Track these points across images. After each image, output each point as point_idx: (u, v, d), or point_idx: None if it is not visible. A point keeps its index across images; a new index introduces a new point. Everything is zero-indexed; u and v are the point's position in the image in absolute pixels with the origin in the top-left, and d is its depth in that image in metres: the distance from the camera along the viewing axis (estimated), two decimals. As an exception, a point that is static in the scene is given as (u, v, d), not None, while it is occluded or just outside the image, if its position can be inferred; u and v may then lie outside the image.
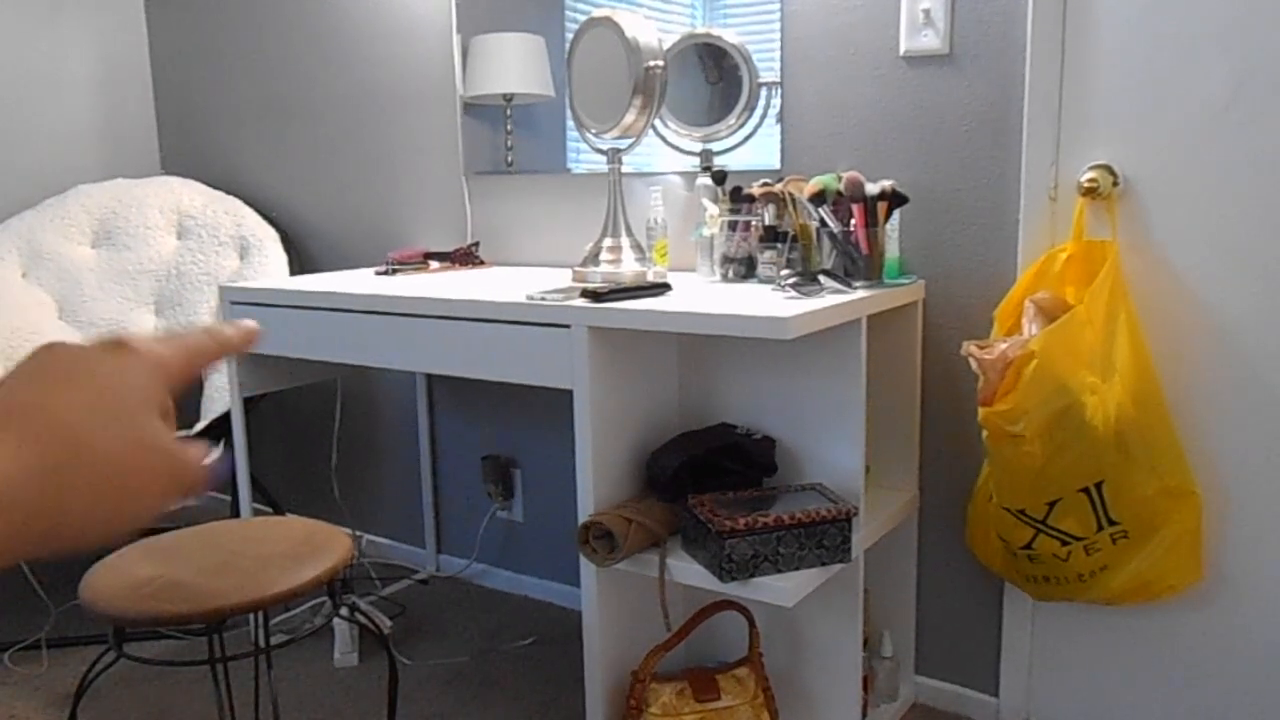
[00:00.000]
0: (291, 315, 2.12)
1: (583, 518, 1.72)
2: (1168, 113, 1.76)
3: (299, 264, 3.02)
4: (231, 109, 3.15)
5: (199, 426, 2.63)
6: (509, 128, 2.54)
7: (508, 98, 2.52)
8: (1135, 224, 1.81)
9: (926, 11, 1.91)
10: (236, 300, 2.22)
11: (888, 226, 1.86)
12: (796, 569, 1.64)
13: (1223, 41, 1.70)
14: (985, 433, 1.74)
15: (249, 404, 2.31)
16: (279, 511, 2.92)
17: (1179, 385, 1.80)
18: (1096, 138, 1.83)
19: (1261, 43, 1.67)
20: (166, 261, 2.97)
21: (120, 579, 1.39)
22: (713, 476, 1.77)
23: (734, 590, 1.62)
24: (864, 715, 1.92)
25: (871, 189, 1.83)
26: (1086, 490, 1.70)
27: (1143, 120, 1.78)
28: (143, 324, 2.95)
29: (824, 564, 1.66)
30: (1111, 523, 1.71)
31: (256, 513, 2.46)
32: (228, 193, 3.08)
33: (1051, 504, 1.72)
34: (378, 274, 2.39)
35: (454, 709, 2.18)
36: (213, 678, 1.80)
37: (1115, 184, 1.81)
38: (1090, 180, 1.79)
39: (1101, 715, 1.98)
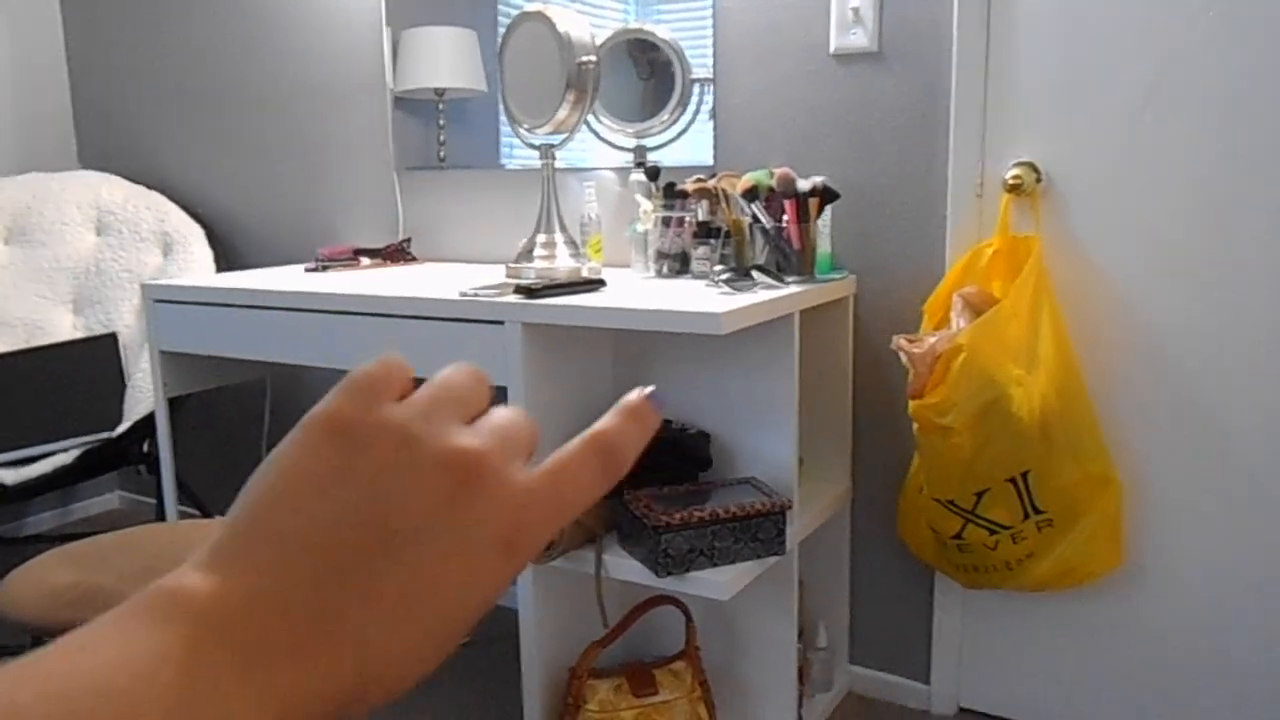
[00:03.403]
0: (218, 313, 2.07)
1: (518, 515, 1.71)
2: (1087, 111, 1.81)
3: (225, 261, 2.95)
4: (153, 101, 3.06)
5: (121, 428, 2.56)
6: (441, 122, 2.52)
7: (439, 92, 2.50)
8: (1057, 219, 1.86)
9: (855, 10, 1.94)
10: (160, 298, 2.16)
11: (819, 222, 1.88)
12: (732, 562, 1.65)
13: (1138, 42, 1.75)
14: (915, 425, 1.77)
15: (174, 404, 2.25)
16: (206, 515, 2.86)
17: (1100, 376, 1.85)
18: (1020, 135, 1.87)
19: (1174, 44, 1.72)
20: (85, 258, 2.88)
21: (37, 587, 1.35)
22: (648, 472, 1.77)
23: (670, 585, 1.63)
24: (800, 705, 1.94)
25: (803, 185, 1.85)
26: (1013, 480, 1.74)
27: (1063, 119, 1.83)
28: (60, 323, 2.86)
29: (759, 557, 1.67)
30: (1037, 511, 1.75)
31: (183, 516, 2.40)
32: (149, 188, 3.00)
33: (980, 494, 1.75)
34: (307, 271, 2.34)
35: (388, 712, 2.16)
36: (138, 686, 1.75)
37: (1038, 180, 1.85)
38: (1014, 177, 1.83)
39: (1029, 699, 2.03)
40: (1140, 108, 1.76)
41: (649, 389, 0.34)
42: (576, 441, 0.32)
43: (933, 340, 1.73)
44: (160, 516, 2.54)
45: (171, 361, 2.20)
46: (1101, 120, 1.80)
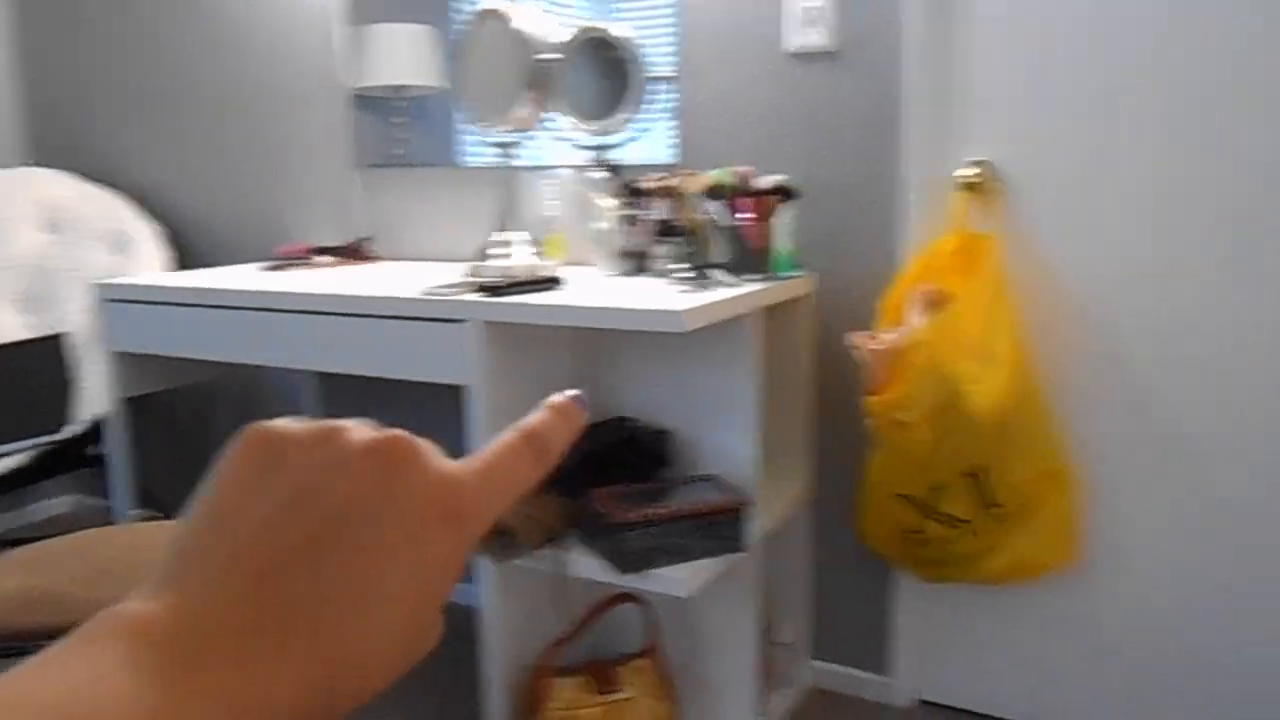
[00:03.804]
0: (172, 313, 2.04)
1: (479, 515, 1.70)
2: (1041, 110, 1.83)
3: (180, 260, 2.91)
4: (107, 98, 3.01)
5: (72, 430, 2.52)
6: (401, 120, 2.50)
7: (398, 89, 2.48)
8: (1013, 217, 1.88)
9: (813, 9, 1.95)
10: (111, 298, 2.13)
11: (779, 220, 1.89)
12: (693, 559, 1.65)
13: (1090, 43, 1.78)
14: (874, 421, 1.78)
15: (128, 405, 2.22)
16: (164, 517, 2.81)
17: (1055, 372, 1.88)
18: (976, 134, 1.89)
19: (1123, 48, 1.75)
20: (33, 257, 2.83)
21: (-14, 592, 1.32)
22: (610, 470, 1.77)
23: (632, 582, 1.63)
24: (762, 701, 1.95)
25: (762, 183, 1.85)
26: (970, 475, 1.76)
27: (1018, 118, 1.85)
28: (8, 322, 2.80)
29: (720, 554, 1.68)
30: (994, 505, 1.78)
31: (137, 519, 2.36)
32: (101, 185, 2.95)
33: (938, 489, 1.77)
34: (264, 270, 2.32)
35: (347, 717, 2.14)
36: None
37: (994, 179, 1.88)
38: (970, 175, 1.85)
39: (988, 691, 2.06)
40: (1092, 107, 1.79)
41: (573, 391, 0.35)
42: (507, 431, 0.33)
43: (891, 337, 1.75)
44: (113, 520, 2.50)
45: (124, 362, 2.17)
46: (1055, 119, 1.83)
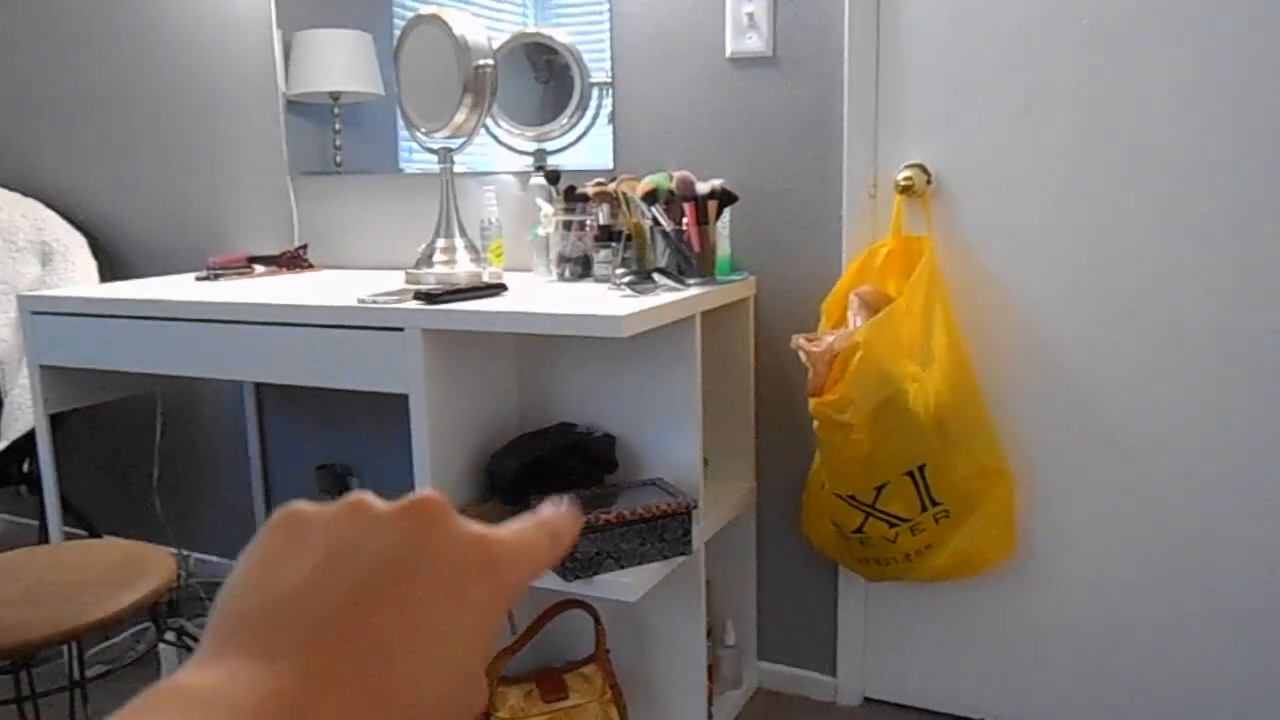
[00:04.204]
0: (103, 325, 1.99)
1: (423, 524, 1.68)
2: (973, 114, 1.87)
3: (110, 271, 2.84)
4: (29, 102, 2.93)
5: (2, 446, 2.44)
6: (337, 126, 2.47)
7: (335, 96, 2.45)
8: (947, 219, 1.91)
9: (750, 15, 1.97)
10: (39, 310, 2.07)
11: (719, 224, 1.91)
12: (639, 564, 1.65)
13: (1020, 48, 1.82)
14: (816, 422, 1.80)
15: (57, 421, 2.16)
16: (94, 534, 2.74)
17: (991, 371, 1.91)
18: (911, 138, 1.92)
19: (1051, 57, 1.79)
20: (-43, 270, 2.74)
21: (-93, 617, 1.27)
22: (554, 477, 1.77)
23: (578, 589, 1.63)
24: (710, 704, 1.96)
25: (702, 188, 1.86)
26: (911, 474, 1.79)
27: (951, 121, 1.89)
28: (-69, 338, 2.71)
29: (666, 557, 1.68)
30: (934, 503, 1.81)
31: (69, 537, 2.29)
32: (25, 194, 2.86)
33: (879, 488, 1.80)
34: (198, 280, 2.27)
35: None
36: (20, 718, 1.67)
37: (929, 182, 1.91)
38: (905, 178, 1.88)
39: (931, 687, 2.09)
40: (1022, 111, 1.83)
41: (565, 503, 0.37)
42: (525, 518, 0.35)
43: (830, 339, 1.77)
44: (44, 539, 2.43)
45: (53, 376, 2.11)
46: (987, 123, 1.86)
